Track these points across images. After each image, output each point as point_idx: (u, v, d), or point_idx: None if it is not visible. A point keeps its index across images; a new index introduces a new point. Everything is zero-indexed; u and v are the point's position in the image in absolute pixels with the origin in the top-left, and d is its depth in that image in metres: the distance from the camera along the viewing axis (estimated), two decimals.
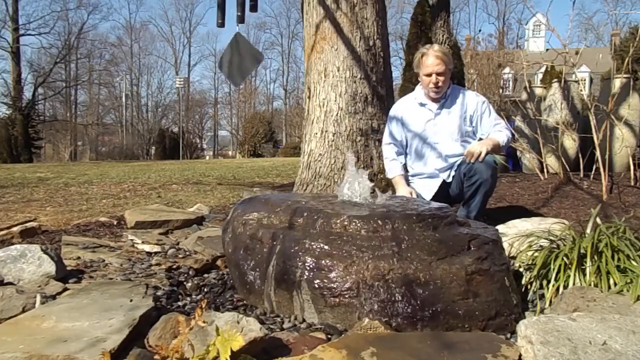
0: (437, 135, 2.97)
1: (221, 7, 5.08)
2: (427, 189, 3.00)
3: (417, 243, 1.74)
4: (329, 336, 1.59)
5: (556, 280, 1.90)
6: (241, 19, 5.10)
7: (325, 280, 1.68)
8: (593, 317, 1.50)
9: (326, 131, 3.79)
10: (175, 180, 7.69)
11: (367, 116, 3.79)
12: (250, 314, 1.80)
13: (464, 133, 2.97)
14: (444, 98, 2.98)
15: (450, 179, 2.98)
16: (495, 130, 2.95)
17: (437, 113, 2.98)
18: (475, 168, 2.78)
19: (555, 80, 6.35)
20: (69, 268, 2.22)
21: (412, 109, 3.06)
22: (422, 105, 3.02)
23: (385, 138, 3.14)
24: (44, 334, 1.41)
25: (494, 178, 2.81)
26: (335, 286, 1.67)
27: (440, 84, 2.89)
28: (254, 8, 5.18)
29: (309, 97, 3.97)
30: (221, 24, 5.23)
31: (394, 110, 3.15)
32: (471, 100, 2.99)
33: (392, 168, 3.06)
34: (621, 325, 1.45)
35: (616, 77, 5.46)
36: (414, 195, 2.90)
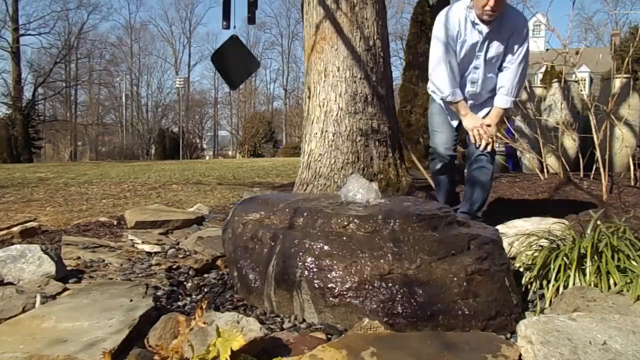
0: (479, 59, 2.83)
1: (226, 10, 5.12)
2: (456, 114, 2.94)
3: (417, 243, 1.74)
4: (329, 336, 1.59)
5: (556, 280, 1.90)
6: (252, 20, 5.13)
7: (325, 280, 1.68)
8: (593, 317, 1.50)
9: (326, 131, 3.79)
10: (175, 180, 7.69)
11: (367, 116, 3.79)
12: (250, 314, 1.80)
13: (500, 57, 2.86)
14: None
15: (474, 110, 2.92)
16: (500, 93, 2.86)
17: (486, 37, 2.79)
18: (473, 154, 2.84)
19: (555, 80, 6.35)
20: (69, 268, 2.22)
21: (466, 27, 2.80)
22: (474, 25, 2.78)
23: (438, 55, 2.83)
24: (44, 334, 1.41)
25: (492, 166, 2.87)
26: (335, 286, 1.67)
27: (496, 9, 2.67)
28: (251, 20, 5.21)
29: (309, 97, 3.97)
30: (226, 26, 5.27)
31: (449, 23, 2.80)
32: (517, 24, 2.82)
33: (458, 92, 2.83)
34: (621, 325, 1.45)
35: (616, 77, 5.45)
36: (482, 123, 2.81)
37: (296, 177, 4.14)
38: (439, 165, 3.05)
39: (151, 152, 34.48)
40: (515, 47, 2.81)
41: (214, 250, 2.50)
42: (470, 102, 2.92)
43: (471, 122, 2.85)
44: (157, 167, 11.62)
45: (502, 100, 2.86)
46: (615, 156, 5.12)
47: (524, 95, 6.67)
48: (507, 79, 2.84)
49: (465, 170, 2.99)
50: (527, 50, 2.84)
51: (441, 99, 2.90)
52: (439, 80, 2.84)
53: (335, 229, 1.80)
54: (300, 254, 1.75)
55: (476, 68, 2.85)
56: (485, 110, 2.94)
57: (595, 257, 1.91)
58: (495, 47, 2.81)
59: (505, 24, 2.78)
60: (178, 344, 1.25)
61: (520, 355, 1.37)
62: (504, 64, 2.86)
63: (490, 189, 2.98)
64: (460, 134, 3.06)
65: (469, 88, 2.90)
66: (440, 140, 2.99)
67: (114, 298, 1.68)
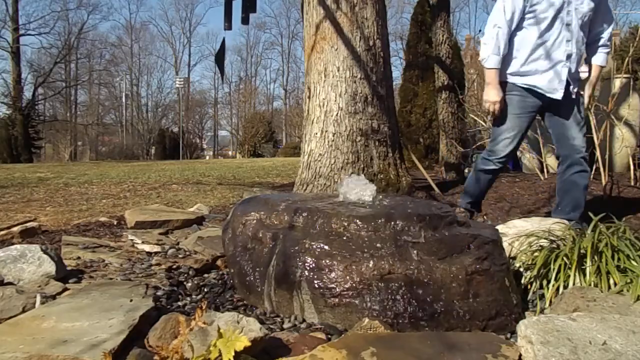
0: (570, 16, 2.77)
1: (227, 11, 5.17)
2: (550, 82, 2.83)
3: (417, 243, 1.74)
4: (329, 336, 1.59)
5: (556, 280, 1.90)
6: (245, 20, 5.17)
7: (326, 280, 1.68)
8: (593, 317, 1.50)
9: (326, 131, 3.79)
10: (175, 180, 7.69)
11: (367, 116, 3.79)
12: (250, 314, 1.80)
13: (591, 15, 2.83)
14: None
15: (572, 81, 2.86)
16: (600, 49, 2.94)
17: None
18: (572, 157, 2.77)
19: None
20: (69, 268, 2.21)
21: None
22: None
23: (501, 17, 2.79)
24: (44, 334, 1.41)
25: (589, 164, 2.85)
26: (335, 286, 1.67)
27: None
28: (252, 8, 5.25)
29: (309, 97, 3.97)
30: (228, 27, 5.32)
31: None
32: None
33: (495, 59, 2.81)
34: (621, 325, 1.45)
35: (616, 77, 5.45)
36: (497, 102, 2.83)
37: (296, 177, 4.14)
38: (490, 167, 2.98)
39: (151, 152, 34.48)
40: (608, 15, 2.90)
41: (214, 250, 2.50)
42: (566, 66, 2.81)
43: (493, 95, 2.84)
44: (157, 167, 11.62)
45: (602, 57, 2.96)
46: (615, 156, 5.12)
47: None
48: (603, 40, 2.93)
49: (560, 175, 2.86)
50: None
51: (480, 59, 2.91)
52: (485, 41, 2.84)
53: (336, 229, 1.80)
54: (300, 254, 1.75)
55: (568, 25, 2.79)
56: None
57: (595, 257, 1.91)
58: (587, 3, 2.79)
59: None
60: (178, 344, 1.25)
61: (520, 355, 1.37)
62: (598, 29, 2.92)
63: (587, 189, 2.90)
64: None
65: (564, 47, 2.81)
66: (504, 147, 2.89)
67: (114, 298, 1.68)
